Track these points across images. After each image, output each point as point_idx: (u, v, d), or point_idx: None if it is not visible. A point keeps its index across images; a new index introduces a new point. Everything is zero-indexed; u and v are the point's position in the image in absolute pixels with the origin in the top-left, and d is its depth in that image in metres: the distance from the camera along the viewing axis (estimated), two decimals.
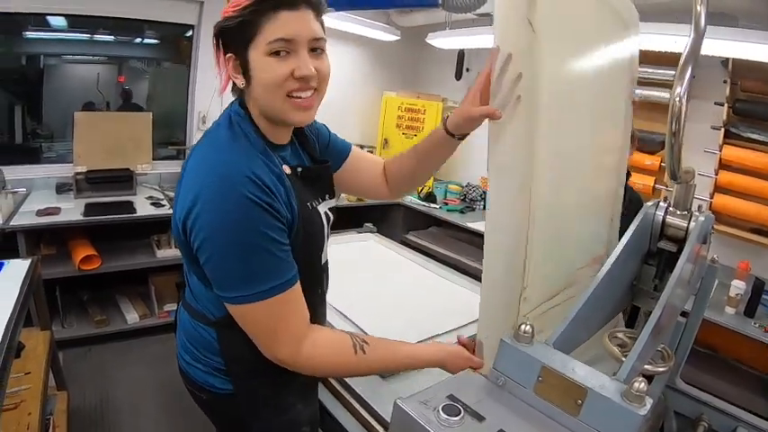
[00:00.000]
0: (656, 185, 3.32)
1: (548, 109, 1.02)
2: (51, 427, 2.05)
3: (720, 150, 3.04)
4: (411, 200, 4.36)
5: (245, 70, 0.97)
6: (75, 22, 3.45)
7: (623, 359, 1.13)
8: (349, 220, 4.59)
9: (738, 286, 2.65)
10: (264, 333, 0.98)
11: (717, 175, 3.07)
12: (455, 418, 0.77)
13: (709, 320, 2.60)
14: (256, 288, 0.92)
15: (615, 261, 1.02)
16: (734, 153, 3.01)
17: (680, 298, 1.02)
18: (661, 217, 1.19)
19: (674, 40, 2.60)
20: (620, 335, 1.26)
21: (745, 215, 2.99)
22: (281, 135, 1.09)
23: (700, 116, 3.23)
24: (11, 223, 2.67)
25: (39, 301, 2.25)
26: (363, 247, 2.63)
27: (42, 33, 3.45)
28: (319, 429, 1.35)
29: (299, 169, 1.08)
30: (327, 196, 1.19)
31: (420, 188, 4.33)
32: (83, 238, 3.06)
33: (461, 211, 4.22)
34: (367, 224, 2.96)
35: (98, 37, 3.63)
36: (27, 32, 3.37)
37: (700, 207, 1.20)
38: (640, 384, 0.68)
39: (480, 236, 1.03)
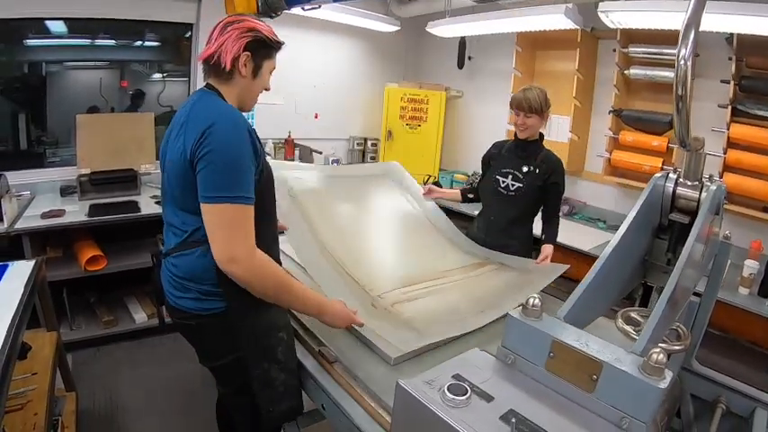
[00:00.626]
0: (664, 167, 3.24)
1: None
2: (60, 428, 2.03)
3: (728, 129, 2.99)
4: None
5: (255, 69, 1.45)
6: (75, 27, 3.47)
7: (637, 337, 1.11)
8: None
9: (751, 266, 2.62)
10: (230, 230, 1.26)
11: (725, 153, 3.01)
12: (461, 398, 0.74)
13: (723, 301, 2.58)
14: (235, 193, 1.25)
15: (623, 235, 0.99)
16: (742, 131, 2.97)
17: (694, 272, 0.98)
18: (671, 188, 1.16)
19: (676, 17, 2.53)
20: (633, 314, 1.23)
21: (756, 193, 2.95)
22: None
23: (706, 95, 3.18)
24: (16, 226, 2.68)
25: (44, 303, 2.26)
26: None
27: (43, 40, 3.47)
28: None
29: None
30: None
31: (425, 178, 4.30)
32: (88, 240, 3.06)
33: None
34: None
35: (99, 41, 3.65)
36: (28, 40, 3.39)
37: (711, 176, 1.15)
38: (659, 356, 0.65)
39: None
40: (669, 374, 0.66)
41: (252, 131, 1.34)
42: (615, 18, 2.76)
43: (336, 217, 2.15)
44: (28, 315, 1.76)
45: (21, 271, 1.98)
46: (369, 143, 4.98)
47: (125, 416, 2.57)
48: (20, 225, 2.70)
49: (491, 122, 4.43)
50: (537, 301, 0.80)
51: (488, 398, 0.75)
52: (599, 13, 2.76)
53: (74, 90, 3.68)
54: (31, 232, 2.71)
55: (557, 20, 2.91)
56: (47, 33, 3.45)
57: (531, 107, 2.30)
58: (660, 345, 1.09)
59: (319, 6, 3.01)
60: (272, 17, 3.05)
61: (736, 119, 3.00)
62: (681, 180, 1.16)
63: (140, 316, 3.26)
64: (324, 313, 1.43)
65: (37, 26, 3.37)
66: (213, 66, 1.42)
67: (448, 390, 0.75)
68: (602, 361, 0.68)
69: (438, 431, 0.74)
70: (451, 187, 4.47)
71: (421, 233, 2.39)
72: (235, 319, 1.43)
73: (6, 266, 2.02)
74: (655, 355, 0.65)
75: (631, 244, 1.02)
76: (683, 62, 0.95)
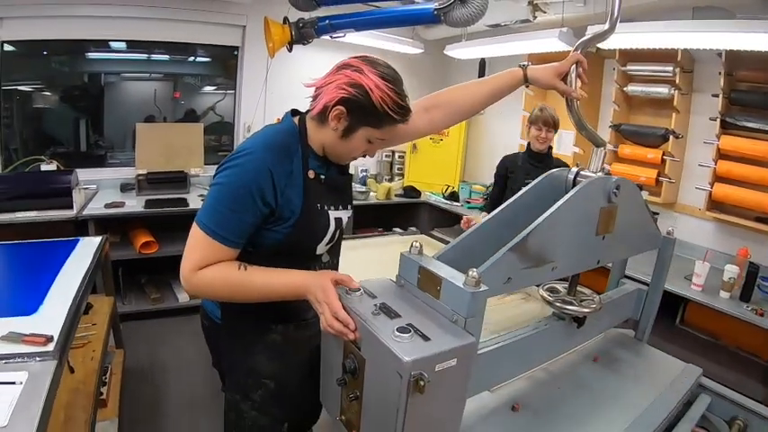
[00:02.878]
0: (660, 177, 3.46)
1: None
2: (109, 374, 2.51)
3: (718, 140, 3.15)
4: (436, 199, 4.69)
5: (347, 129, 1.23)
6: (133, 42, 3.97)
7: (550, 299, 1.44)
8: (378, 217, 4.97)
9: (731, 270, 2.77)
10: (187, 250, 1.19)
11: (716, 164, 3.17)
12: (356, 294, 1.12)
13: (705, 305, 2.77)
14: (206, 221, 1.17)
15: (505, 207, 1.32)
16: (731, 142, 3.11)
17: (562, 240, 1.26)
18: (572, 177, 1.43)
19: (670, 38, 2.81)
20: (556, 285, 1.56)
21: (745, 203, 3.08)
22: (320, 149, 1.32)
23: (699, 108, 3.42)
24: (84, 213, 3.20)
25: (105, 273, 2.74)
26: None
27: (103, 54, 3.96)
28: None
29: (323, 177, 1.32)
30: (341, 206, 1.41)
31: (444, 188, 4.63)
32: (143, 229, 3.59)
33: (482, 209, 4.45)
34: (396, 228, 3.23)
35: (154, 56, 4.16)
36: (89, 53, 3.89)
37: (604, 168, 1.41)
38: (473, 273, 0.99)
39: None
40: (484, 287, 1.00)
41: (275, 172, 1.19)
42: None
43: None
44: (93, 280, 2.18)
45: (90, 244, 2.44)
46: (396, 155, 5.32)
47: (162, 375, 3.01)
48: (87, 212, 3.22)
49: (506, 137, 4.71)
50: (418, 244, 1.16)
51: (372, 296, 1.12)
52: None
53: (129, 100, 4.17)
54: (96, 218, 3.22)
55: (551, 43, 3.20)
56: (107, 47, 3.93)
57: (555, 123, 2.79)
58: (572, 307, 1.42)
59: (344, 35, 3.41)
60: (304, 44, 3.49)
61: (726, 131, 3.15)
62: (582, 172, 1.46)
63: (183, 296, 3.73)
64: (305, 293, 1.18)
65: (98, 41, 3.85)
66: (315, 98, 1.26)
67: (347, 292, 1.12)
68: (443, 278, 1.04)
69: None
70: (470, 197, 4.80)
71: None
72: (224, 338, 1.44)
73: (78, 240, 2.49)
74: (470, 273, 0.99)
75: (516, 216, 1.32)
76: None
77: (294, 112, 1.36)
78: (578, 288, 1.54)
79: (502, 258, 1.08)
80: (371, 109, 1.19)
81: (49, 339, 1.47)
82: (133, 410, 2.60)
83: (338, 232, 1.42)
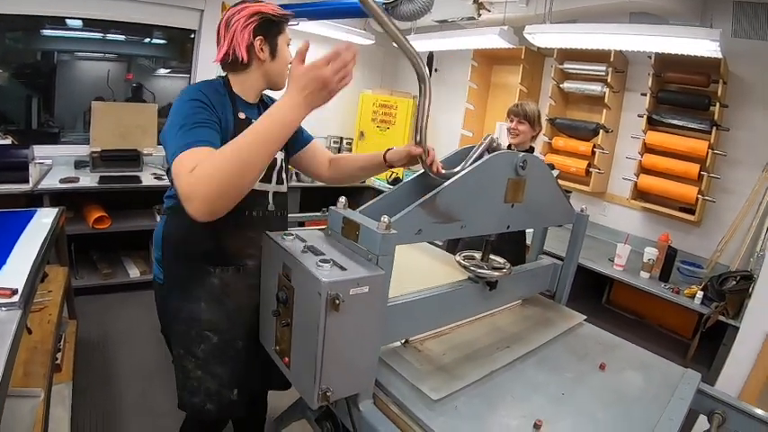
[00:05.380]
0: (590, 168, 3.72)
1: None
2: (63, 342, 2.59)
3: (645, 135, 3.42)
4: (380, 184, 4.87)
5: (272, 49, 1.45)
6: (90, 22, 3.95)
7: (466, 264, 1.66)
8: (324, 199, 5.08)
9: (650, 253, 3.05)
10: (178, 173, 1.13)
11: (642, 157, 3.45)
12: (290, 238, 1.30)
13: (626, 283, 3.05)
14: (181, 143, 1.17)
15: (417, 176, 1.58)
16: (657, 138, 3.37)
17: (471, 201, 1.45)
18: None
19: (604, 39, 3.02)
20: (474, 254, 1.76)
21: (669, 194, 3.35)
22: (250, 95, 1.52)
23: (630, 106, 3.71)
24: (39, 187, 3.25)
25: (60, 245, 2.81)
26: None
27: (57, 32, 3.92)
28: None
29: (253, 120, 1.32)
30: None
31: (389, 174, 4.82)
32: (96, 204, 3.65)
33: None
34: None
35: (109, 36, 4.16)
36: (43, 30, 3.84)
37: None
38: (384, 219, 1.17)
39: None
40: (394, 231, 1.18)
41: (209, 96, 1.33)
42: (538, 39, 3.26)
43: None
44: (51, 247, 2.25)
45: (48, 215, 2.50)
46: (344, 142, 5.46)
47: (114, 346, 3.10)
48: (42, 186, 3.27)
49: (449, 129, 4.92)
50: (343, 199, 1.35)
51: (302, 240, 1.29)
52: (525, 35, 3.24)
53: (82, 79, 4.17)
54: (51, 192, 3.28)
55: (493, 39, 3.41)
56: (61, 25, 3.88)
57: (526, 115, 2.67)
58: (483, 270, 1.63)
59: (298, 24, 3.54)
60: None
61: (652, 127, 3.41)
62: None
63: (134, 272, 3.83)
64: (298, 95, 1.14)
65: (53, 18, 3.79)
66: (231, 63, 1.44)
67: (284, 236, 1.31)
68: (360, 223, 1.22)
69: (273, 251, 1.31)
70: None
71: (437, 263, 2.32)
72: (167, 297, 1.52)
73: (35, 211, 2.55)
74: (383, 220, 1.17)
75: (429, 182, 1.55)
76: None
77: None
78: (491, 256, 1.75)
79: (413, 211, 1.27)
80: (275, 22, 1.45)
81: (14, 292, 1.57)
82: (86, 377, 2.69)
83: (278, 175, 1.58)
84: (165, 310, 1.58)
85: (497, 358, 1.54)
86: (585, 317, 1.98)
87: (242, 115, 1.44)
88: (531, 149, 2.83)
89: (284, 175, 1.62)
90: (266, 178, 1.52)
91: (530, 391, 1.41)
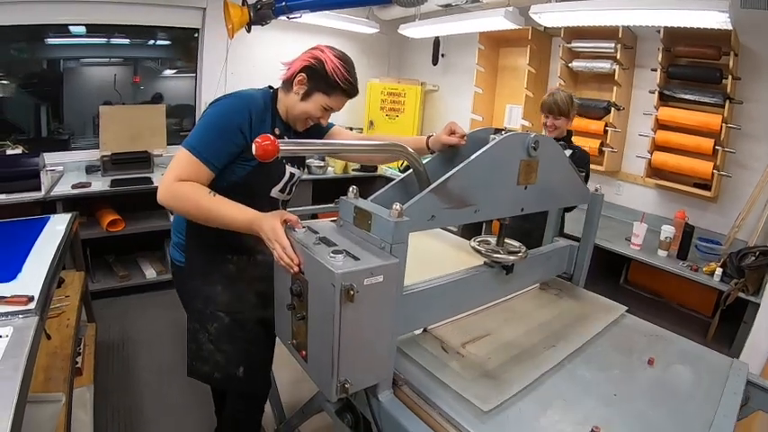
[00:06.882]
0: (603, 147, 3.67)
1: None
2: (83, 345, 2.61)
3: (657, 111, 3.36)
4: (392, 173, 4.83)
5: (306, 93, 1.54)
6: (93, 27, 3.97)
7: (481, 249, 1.63)
8: (337, 190, 5.08)
9: (667, 230, 3.00)
10: (171, 167, 1.42)
11: (655, 134, 3.39)
12: (301, 230, 1.30)
13: (644, 262, 3.01)
14: (194, 143, 1.43)
15: (427, 162, 1.54)
16: (669, 113, 3.31)
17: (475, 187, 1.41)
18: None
19: (611, 15, 2.97)
20: (489, 238, 1.74)
21: (683, 170, 3.29)
22: (284, 115, 1.63)
23: (640, 82, 3.64)
24: (52, 194, 3.27)
25: (75, 249, 2.84)
26: None
27: (61, 39, 3.94)
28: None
29: (285, 137, 1.60)
30: (296, 165, 1.72)
31: (401, 163, 4.79)
32: (109, 208, 3.67)
33: None
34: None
35: (114, 41, 4.17)
36: (47, 39, 3.87)
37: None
38: (396, 206, 1.15)
39: None
40: (406, 218, 1.17)
41: (253, 114, 1.49)
42: (544, 18, 3.21)
43: None
44: (66, 251, 2.29)
45: (61, 221, 2.54)
46: (354, 131, 5.44)
47: (133, 347, 3.12)
48: (54, 193, 3.29)
49: (458, 114, 4.83)
50: (355, 188, 1.33)
51: (315, 232, 1.28)
52: (531, 15, 3.21)
53: (89, 85, 4.19)
54: (64, 198, 3.30)
55: (498, 21, 3.37)
56: (66, 33, 3.90)
57: (561, 110, 2.59)
58: (499, 255, 1.60)
59: (300, 16, 3.54)
60: (262, 25, 3.59)
61: (664, 103, 3.35)
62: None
63: (150, 272, 3.85)
64: (258, 230, 1.33)
65: (57, 26, 3.82)
66: (283, 81, 1.59)
67: (293, 229, 1.30)
68: (372, 212, 1.20)
69: None
70: None
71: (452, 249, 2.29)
72: (188, 279, 1.67)
73: (49, 217, 2.59)
74: (394, 208, 1.16)
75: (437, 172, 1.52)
76: None
77: (270, 88, 1.66)
78: (507, 240, 1.72)
79: (424, 197, 1.25)
80: (325, 77, 1.51)
81: (30, 299, 1.60)
82: (107, 380, 2.72)
83: (291, 186, 1.74)
84: (184, 289, 1.73)
85: (545, 359, 1.46)
86: (626, 308, 1.91)
87: (277, 131, 1.59)
88: (570, 134, 2.78)
89: (294, 188, 1.79)
90: (282, 189, 1.71)
91: (581, 392, 1.34)
